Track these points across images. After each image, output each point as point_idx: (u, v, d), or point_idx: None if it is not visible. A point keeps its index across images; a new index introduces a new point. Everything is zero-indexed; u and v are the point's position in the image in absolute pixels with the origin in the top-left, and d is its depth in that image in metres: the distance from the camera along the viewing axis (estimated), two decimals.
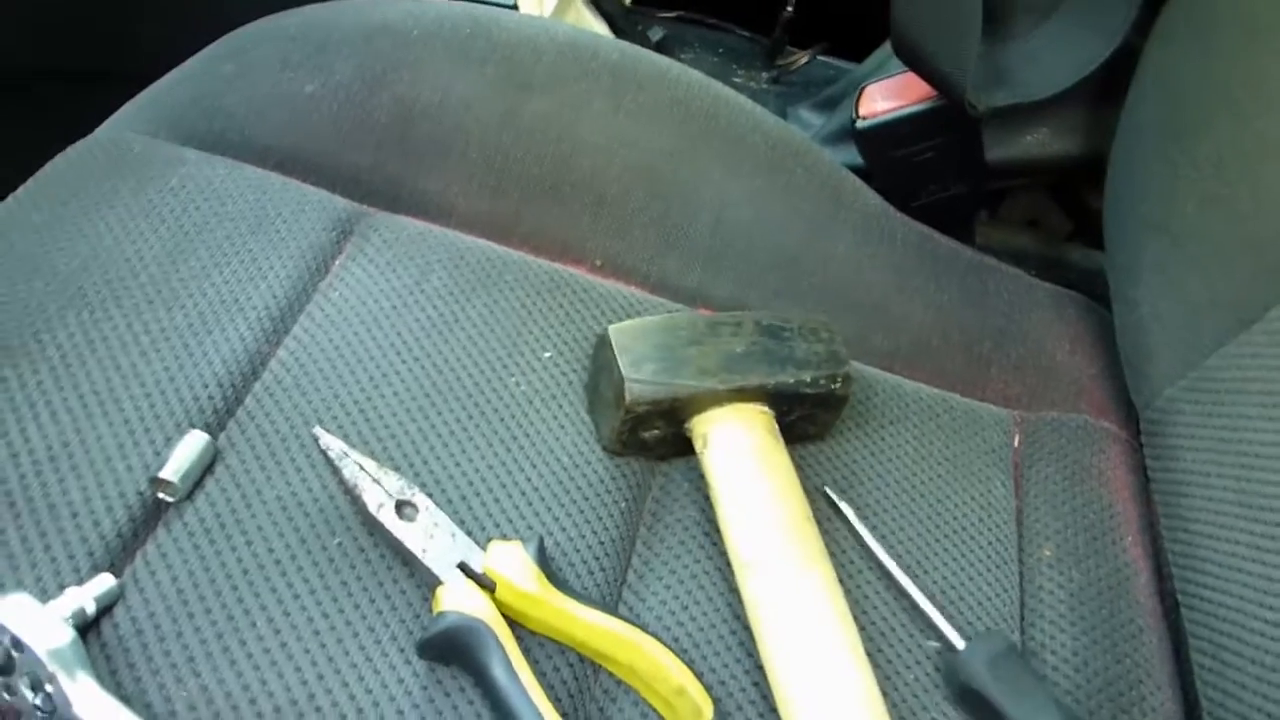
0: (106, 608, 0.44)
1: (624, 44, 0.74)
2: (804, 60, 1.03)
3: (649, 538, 0.55)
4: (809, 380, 0.57)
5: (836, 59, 1.04)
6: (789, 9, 1.00)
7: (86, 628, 0.44)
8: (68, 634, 0.40)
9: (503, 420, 0.57)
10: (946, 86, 0.68)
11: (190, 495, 0.50)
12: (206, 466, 0.51)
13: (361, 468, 0.49)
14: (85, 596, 0.43)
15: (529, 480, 0.54)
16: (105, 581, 0.44)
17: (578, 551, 0.52)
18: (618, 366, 0.54)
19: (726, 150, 0.73)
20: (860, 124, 0.74)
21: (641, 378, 0.54)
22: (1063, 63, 0.69)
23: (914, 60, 0.67)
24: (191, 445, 0.50)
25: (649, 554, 0.54)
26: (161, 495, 0.49)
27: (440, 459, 0.54)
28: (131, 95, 0.76)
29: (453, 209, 0.68)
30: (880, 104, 0.74)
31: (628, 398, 0.53)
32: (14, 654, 0.40)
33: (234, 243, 0.62)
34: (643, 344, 0.56)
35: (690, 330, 0.57)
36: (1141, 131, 0.68)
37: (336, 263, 0.63)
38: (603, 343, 0.56)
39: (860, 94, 0.75)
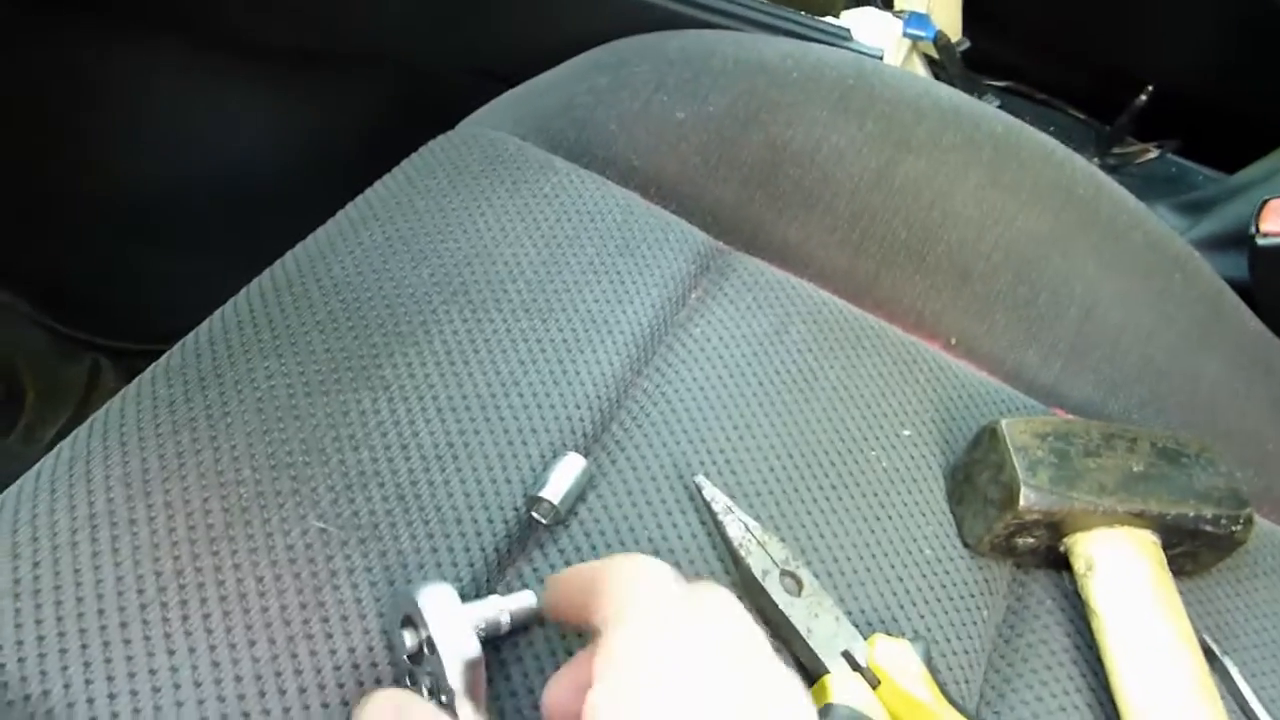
0: (522, 626, 0.43)
1: (1008, 117, 0.70)
2: (1152, 155, 0.97)
3: (1007, 652, 0.51)
4: (1210, 516, 0.52)
5: (1184, 159, 0.98)
6: (1143, 98, 0.94)
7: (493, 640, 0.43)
8: (475, 649, 0.38)
9: (865, 497, 0.54)
10: None
11: (564, 520, 0.48)
12: (581, 492, 0.49)
13: (747, 529, 0.47)
14: (504, 609, 0.42)
15: (892, 568, 0.51)
16: (525, 599, 0.43)
17: (943, 657, 0.49)
18: (1012, 465, 0.50)
19: (1104, 244, 0.68)
20: (1262, 240, 0.68)
21: (1038, 484, 0.50)
22: None
23: None
24: (571, 468, 0.49)
25: (1009, 671, 0.50)
26: (535, 515, 0.48)
27: (806, 528, 0.51)
28: (472, 91, 0.77)
29: (811, 260, 0.66)
30: None
31: (1021, 503, 0.49)
32: (425, 651, 0.39)
33: (603, 261, 0.61)
34: (1038, 446, 0.52)
35: (1085, 439, 0.53)
36: None
37: (693, 296, 0.61)
38: (993, 436, 0.52)
39: (1264, 207, 0.69)
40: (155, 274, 1.05)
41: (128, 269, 1.09)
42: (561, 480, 0.48)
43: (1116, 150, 0.98)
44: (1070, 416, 0.61)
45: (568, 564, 0.47)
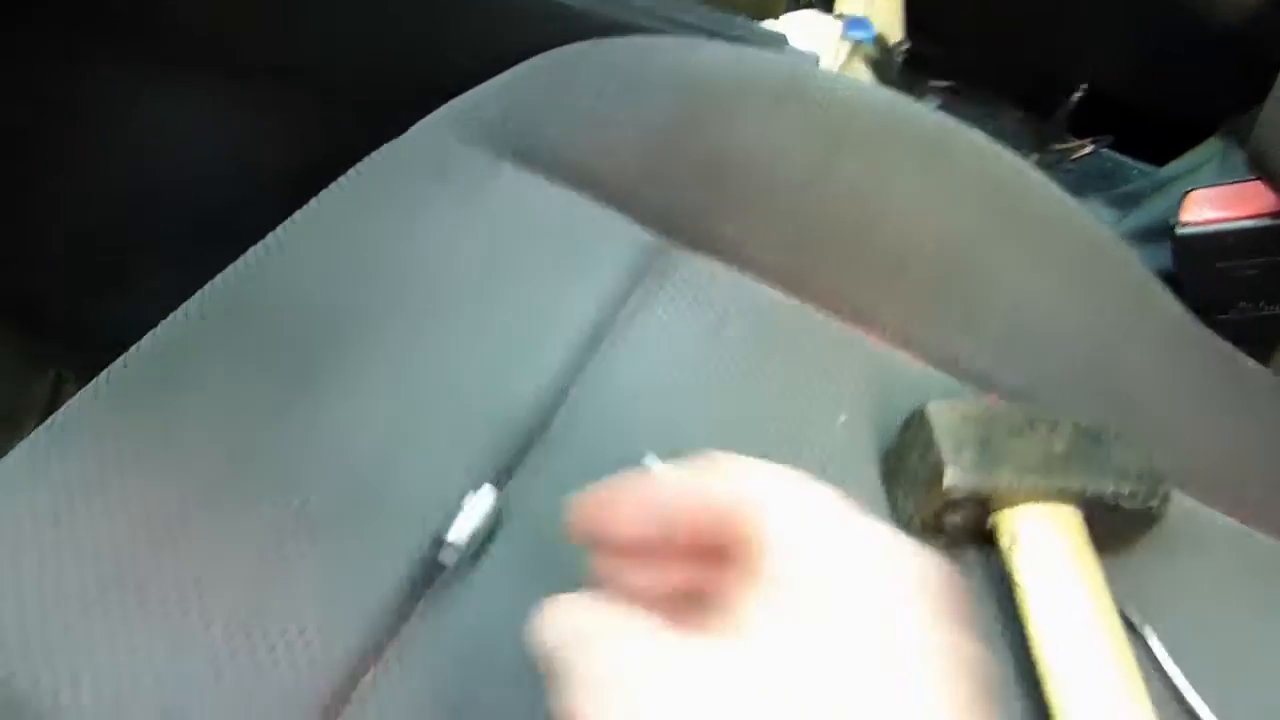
0: None
1: (940, 115, 0.73)
2: (1087, 150, 1.00)
3: None
4: (1128, 493, 0.54)
5: (1118, 153, 1.01)
6: (1077, 96, 0.97)
7: None
8: None
9: None
10: None
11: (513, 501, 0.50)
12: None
13: None
14: None
15: None
16: None
17: None
18: (938, 449, 0.52)
19: (1034, 236, 0.70)
20: (1182, 230, 0.71)
21: (963, 464, 0.52)
22: None
23: (1276, 177, 0.64)
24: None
25: None
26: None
27: None
28: (421, 101, 0.79)
29: (750, 257, 0.68)
30: (1208, 213, 0.70)
31: (946, 483, 0.51)
32: None
33: (543, 264, 0.62)
34: (964, 428, 0.54)
35: (1010, 422, 0.55)
36: None
37: (634, 295, 0.63)
38: (920, 420, 0.54)
39: (1185, 199, 0.72)
40: (119, 287, 1.06)
41: (93, 283, 1.10)
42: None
43: (1054, 147, 1.01)
44: (1000, 402, 0.64)
45: (524, 537, 0.48)
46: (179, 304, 0.59)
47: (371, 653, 0.44)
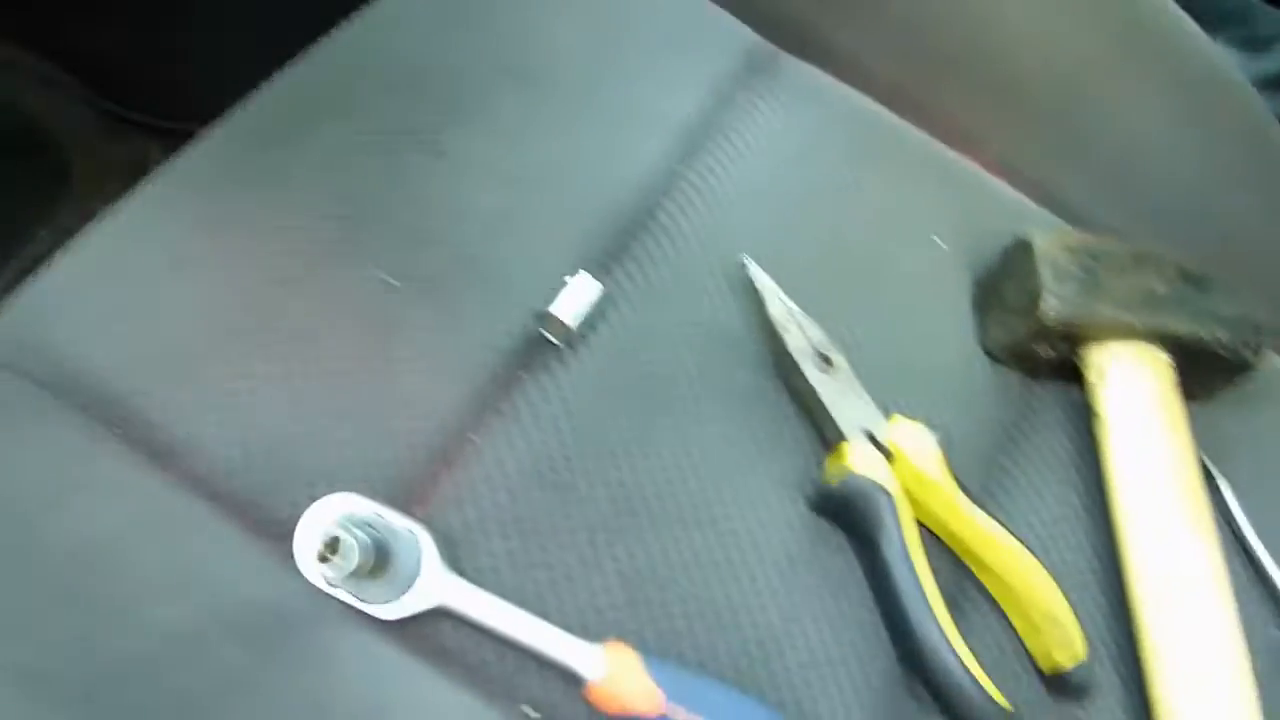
0: None
1: None
2: None
3: (1015, 454, 0.54)
4: (1225, 341, 0.54)
5: None
6: None
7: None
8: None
9: (896, 295, 0.56)
10: None
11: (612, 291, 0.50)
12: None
13: (788, 309, 0.49)
14: None
15: (915, 363, 0.53)
16: None
17: (952, 446, 0.51)
18: (1039, 277, 0.52)
19: (1157, 71, 0.68)
20: None
21: (1062, 294, 0.52)
22: None
23: None
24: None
25: (1015, 472, 0.53)
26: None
27: (838, 318, 0.53)
28: None
29: (859, 67, 0.66)
30: None
31: (1043, 311, 0.51)
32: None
33: (651, 58, 0.61)
34: (1065, 259, 0.53)
35: (1113, 257, 0.54)
36: None
37: (740, 97, 0.62)
38: (1022, 247, 0.54)
39: None
40: (207, 51, 1.04)
41: (180, 46, 1.08)
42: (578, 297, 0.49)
43: None
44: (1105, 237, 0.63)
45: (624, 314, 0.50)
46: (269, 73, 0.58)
47: (476, 416, 0.45)
